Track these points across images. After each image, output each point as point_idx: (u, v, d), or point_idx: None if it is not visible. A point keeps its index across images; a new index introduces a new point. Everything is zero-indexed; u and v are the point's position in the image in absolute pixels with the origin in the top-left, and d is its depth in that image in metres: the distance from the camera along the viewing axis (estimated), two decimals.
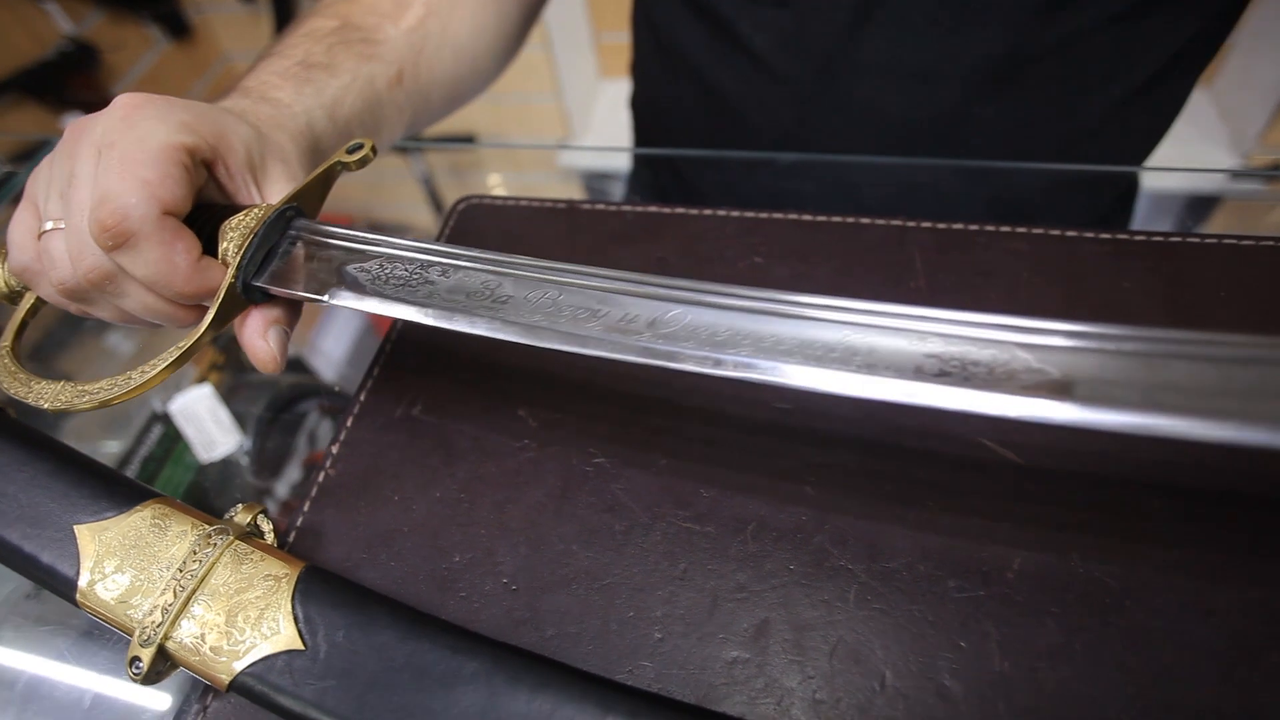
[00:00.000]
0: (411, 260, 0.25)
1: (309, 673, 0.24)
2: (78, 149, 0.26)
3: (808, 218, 0.36)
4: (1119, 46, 0.40)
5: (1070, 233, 0.34)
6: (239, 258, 0.26)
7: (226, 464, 0.57)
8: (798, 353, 0.22)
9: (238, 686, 0.25)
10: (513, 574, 0.28)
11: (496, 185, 1.34)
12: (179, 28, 1.50)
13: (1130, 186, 0.55)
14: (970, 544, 0.26)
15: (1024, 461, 0.28)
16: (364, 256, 0.26)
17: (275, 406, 0.60)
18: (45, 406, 0.28)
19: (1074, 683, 0.23)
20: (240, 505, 0.29)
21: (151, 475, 0.55)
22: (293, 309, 0.28)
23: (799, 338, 0.22)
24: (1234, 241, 0.33)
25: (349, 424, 0.33)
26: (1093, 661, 0.24)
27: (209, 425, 0.56)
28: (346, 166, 0.28)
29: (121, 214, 0.24)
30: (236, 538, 0.27)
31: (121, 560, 0.28)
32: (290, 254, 0.27)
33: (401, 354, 0.35)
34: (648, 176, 0.63)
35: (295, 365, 0.66)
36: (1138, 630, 0.24)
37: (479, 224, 0.40)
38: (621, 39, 1.80)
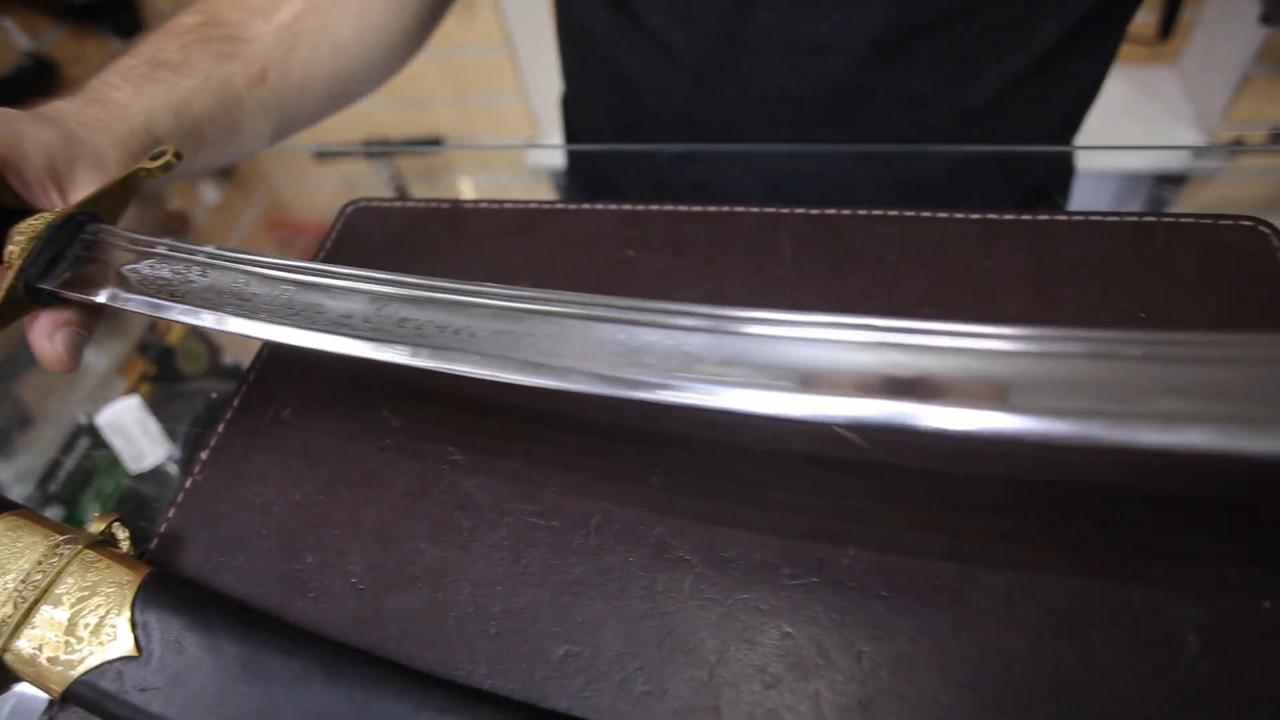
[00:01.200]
0: (178, 260, 0.25)
1: (139, 679, 0.24)
2: None
3: (683, 209, 0.36)
4: (1011, 19, 0.40)
5: (941, 214, 0.34)
6: (21, 260, 0.26)
7: (158, 474, 0.57)
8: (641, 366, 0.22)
9: (72, 696, 0.25)
10: (361, 573, 0.28)
11: (466, 188, 1.34)
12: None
13: (1062, 167, 0.55)
14: (808, 532, 0.26)
15: (868, 446, 0.28)
16: (139, 258, 0.26)
17: (207, 415, 0.61)
18: None
19: (899, 663, 0.23)
20: (96, 514, 0.29)
21: (79, 488, 0.55)
22: (89, 312, 0.28)
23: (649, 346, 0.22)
24: (1098, 218, 0.33)
25: (220, 430, 0.33)
26: (919, 643, 0.24)
27: (138, 436, 0.57)
28: (150, 173, 0.28)
29: None
30: (86, 546, 0.27)
31: None
32: (78, 257, 0.27)
33: (277, 360, 0.35)
34: (576, 173, 0.63)
35: (229, 373, 0.66)
36: (965, 611, 0.24)
37: (366, 227, 0.40)
38: None
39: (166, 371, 0.62)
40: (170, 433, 0.58)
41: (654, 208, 0.36)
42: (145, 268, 0.27)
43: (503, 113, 1.58)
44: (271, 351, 0.36)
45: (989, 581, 0.24)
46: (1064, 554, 0.25)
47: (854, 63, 0.40)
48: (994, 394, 0.19)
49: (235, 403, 0.34)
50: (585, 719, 0.23)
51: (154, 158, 0.28)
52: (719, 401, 0.21)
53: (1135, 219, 0.32)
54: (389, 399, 0.32)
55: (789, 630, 0.24)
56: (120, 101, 0.31)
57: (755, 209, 0.35)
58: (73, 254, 0.27)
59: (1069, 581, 0.24)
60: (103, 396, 0.59)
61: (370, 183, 1.23)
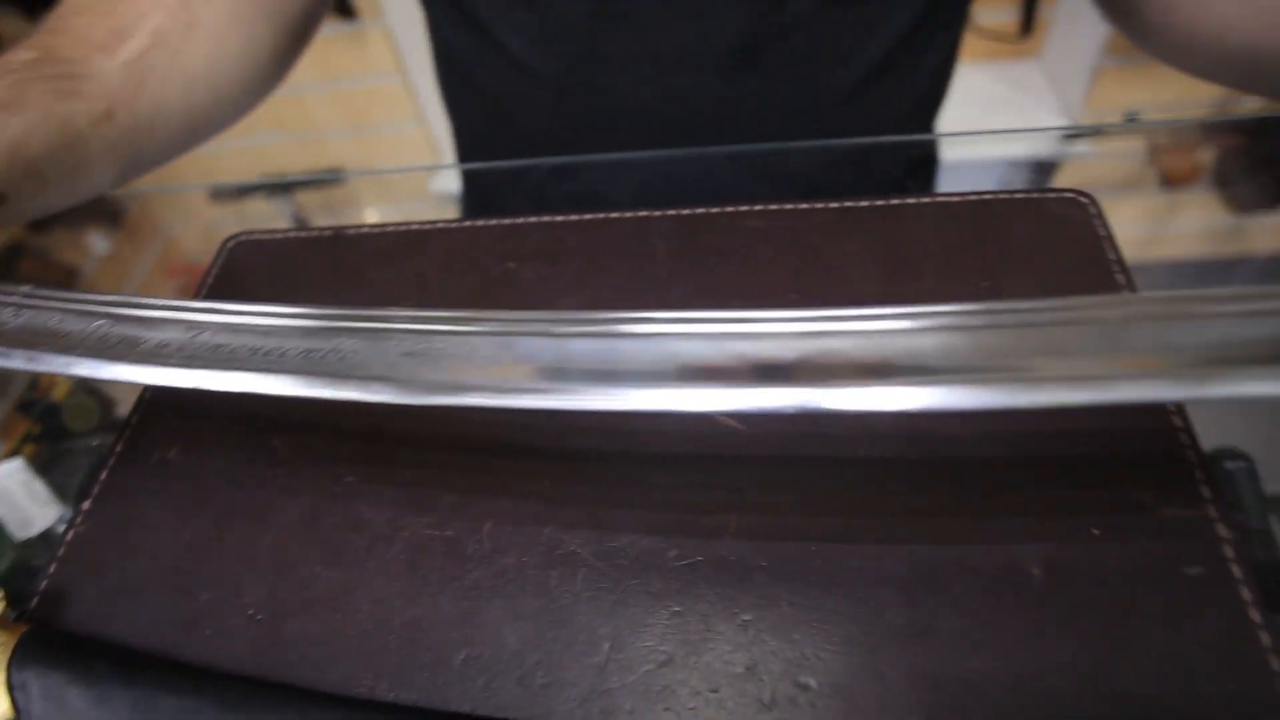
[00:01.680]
0: None
1: None
2: None
3: (559, 218, 0.37)
4: (848, 25, 0.42)
5: (803, 205, 0.36)
6: None
7: (49, 538, 0.54)
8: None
9: None
10: (257, 604, 0.28)
11: (371, 218, 1.32)
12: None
13: (925, 157, 0.58)
14: (691, 515, 0.27)
15: (744, 429, 0.29)
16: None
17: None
18: None
19: (780, 626, 0.25)
20: None
21: None
22: None
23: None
24: (943, 199, 0.36)
25: (102, 478, 0.32)
26: (798, 605, 0.25)
27: (23, 501, 0.54)
28: None
29: None
30: None
31: None
32: None
33: (160, 402, 0.35)
34: (470, 195, 0.64)
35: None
36: (839, 571, 0.26)
37: (248, 261, 0.40)
38: None
39: (53, 430, 0.59)
40: (61, 493, 0.55)
41: (531, 220, 0.37)
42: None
43: (403, 141, 1.57)
44: (153, 394, 0.35)
45: (860, 544, 0.26)
46: (925, 515, 0.27)
47: (708, 75, 0.42)
48: (856, 372, 0.21)
49: (117, 449, 0.33)
50: (488, 717, 0.24)
51: None
52: (599, 404, 0.22)
53: (975, 198, 0.35)
54: (278, 430, 0.32)
55: (677, 609, 0.26)
56: None
57: (629, 214, 0.37)
58: None
59: (930, 538, 0.26)
60: None
61: (270, 220, 1.20)
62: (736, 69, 0.43)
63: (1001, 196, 0.36)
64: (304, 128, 1.58)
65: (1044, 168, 1.51)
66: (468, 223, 0.38)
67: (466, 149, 0.60)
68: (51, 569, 0.30)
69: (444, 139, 1.67)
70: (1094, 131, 1.39)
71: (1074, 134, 1.41)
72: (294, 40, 0.46)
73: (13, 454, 0.56)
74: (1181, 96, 1.43)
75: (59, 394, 0.60)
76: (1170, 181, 1.14)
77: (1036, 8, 1.49)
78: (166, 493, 0.31)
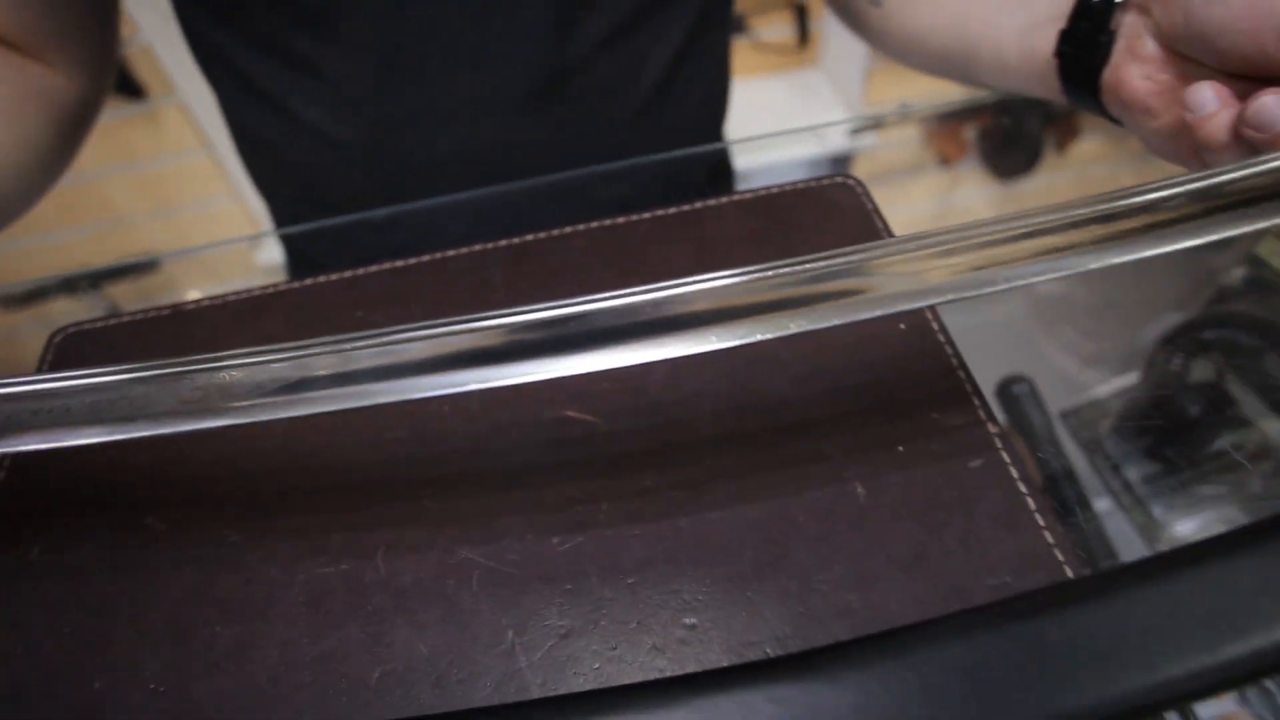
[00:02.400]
0: None
1: None
2: None
3: (400, 264, 0.40)
4: (622, 58, 0.47)
5: (620, 220, 0.41)
6: None
7: None
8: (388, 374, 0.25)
9: None
10: (158, 677, 0.28)
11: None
12: None
13: (721, 166, 0.64)
14: (566, 502, 0.30)
15: (601, 421, 0.33)
16: None
17: None
18: None
19: (659, 580, 0.28)
20: None
21: None
22: None
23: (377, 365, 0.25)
24: (738, 198, 0.41)
25: None
26: (672, 559, 0.29)
27: None
28: None
29: None
30: None
31: None
32: None
33: (11, 504, 0.34)
34: (298, 264, 0.64)
35: None
36: (702, 523, 0.30)
37: (80, 353, 0.39)
38: None
39: None
40: None
41: (373, 269, 0.39)
42: None
43: (218, 217, 1.51)
44: (1, 500, 0.34)
45: (716, 500, 0.30)
46: (765, 466, 0.31)
47: (508, 115, 0.46)
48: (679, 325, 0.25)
49: None
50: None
51: None
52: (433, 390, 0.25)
53: (764, 193, 0.41)
54: (151, 503, 0.32)
55: (569, 587, 0.28)
56: None
57: (465, 249, 0.40)
58: None
59: (773, 483, 0.31)
60: None
61: (82, 316, 1.12)
62: (529, 111, 0.47)
63: (786, 189, 0.42)
64: (107, 217, 1.48)
65: (839, 162, 1.67)
66: (310, 281, 0.40)
67: (284, 219, 0.60)
68: None
69: (262, 209, 1.61)
70: (875, 124, 1.55)
71: (860, 128, 1.56)
72: (72, 127, 0.45)
73: None
74: (943, 86, 1.63)
75: None
76: (945, 160, 1.30)
77: (808, 20, 1.65)
78: (36, 592, 0.31)
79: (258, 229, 1.60)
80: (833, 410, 0.33)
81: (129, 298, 1.23)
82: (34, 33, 0.41)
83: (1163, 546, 0.65)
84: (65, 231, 1.45)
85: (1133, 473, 0.65)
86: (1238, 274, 0.63)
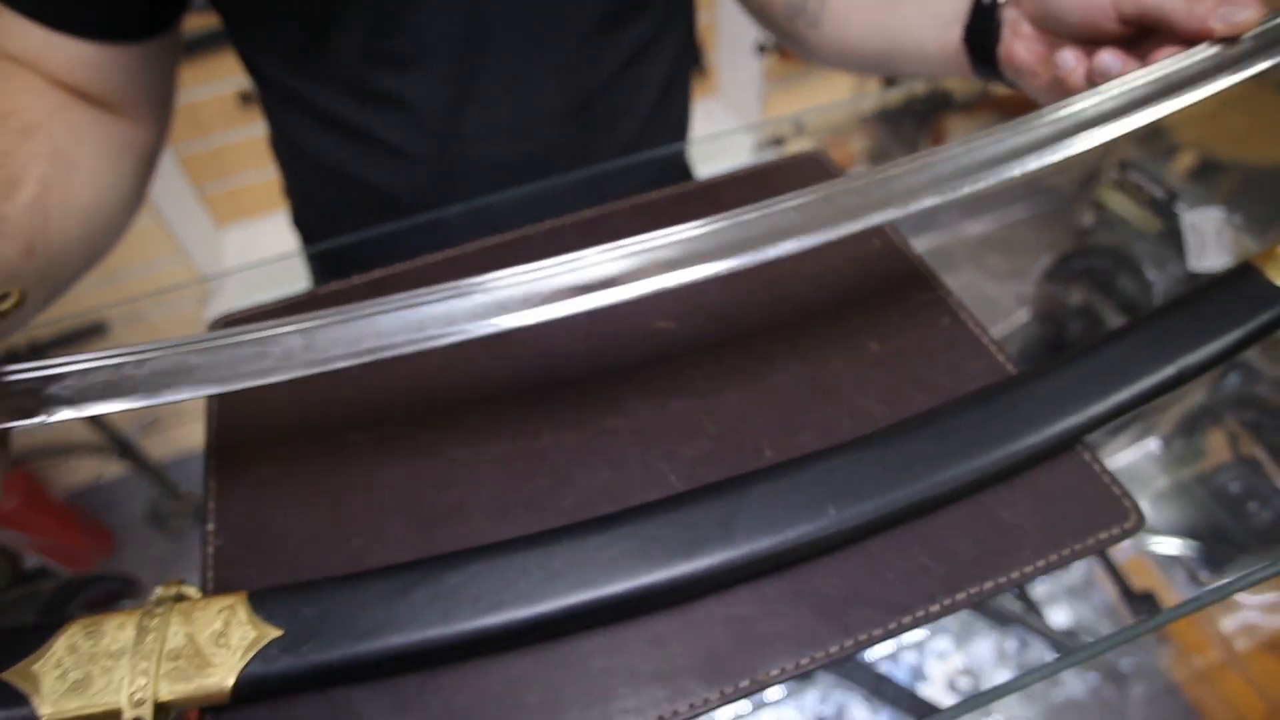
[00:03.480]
0: (104, 367, 0.34)
1: (293, 647, 0.32)
2: None
3: (492, 241, 0.51)
4: (631, 86, 0.61)
5: (652, 195, 0.53)
6: None
7: None
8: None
9: (240, 692, 0.32)
10: (400, 532, 0.38)
11: None
12: None
13: (684, 170, 0.78)
14: (668, 380, 0.42)
15: (677, 327, 0.45)
16: (57, 380, 0.34)
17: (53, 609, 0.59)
18: None
19: (744, 424, 0.40)
20: (159, 586, 0.35)
21: None
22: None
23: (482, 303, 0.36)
24: (737, 174, 0.55)
25: (212, 506, 0.40)
26: (745, 413, 0.41)
27: None
28: (3, 315, 0.34)
29: None
30: (174, 602, 0.34)
31: (70, 673, 0.32)
32: None
33: (225, 441, 0.43)
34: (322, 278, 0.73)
35: (35, 575, 0.64)
36: (760, 389, 0.42)
37: None
38: (226, 185, 1.80)
39: None
40: None
41: (469, 249, 0.50)
42: (74, 382, 0.33)
43: (168, 278, 1.53)
44: (217, 440, 0.43)
45: (771, 367, 0.43)
46: (806, 332, 0.44)
47: (547, 129, 0.58)
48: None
49: (213, 484, 0.41)
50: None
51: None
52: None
53: (756, 168, 0.55)
54: (351, 426, 0.42)
55: (685, 432, 0.40)
56: None
57: (542, 226, 0.51)
58: None
59: (813, 341, 0.43)
60: None
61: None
62: (562, 127, 0.59)
63: (770, 164, 0.55)
64: None
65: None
66: (431, 259, 0.50)
67: (334, 234, 0.70)
68: (210, 574, 0.37)
69: (209, 267, 1.65)
70: (776, 140, 1.73)
71: (765, 143, 1.74)
72: (147, 173, 0.54)
73: None
74: (825, 100, 1.85)
75: None
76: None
77: (701, 54, 1.85)
78: (276, 498, 0.40)
79: (205, 289, 1.63)
80: (845, 299, 0.46)
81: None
82: (119, 92, 0.51)
83: None
84: None
85: None
86: (1089, 218, 0.81)
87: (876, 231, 0.50)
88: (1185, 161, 0.79)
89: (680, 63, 0.66)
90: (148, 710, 0.31)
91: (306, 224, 0.72)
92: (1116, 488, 0.36)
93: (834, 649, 0.32)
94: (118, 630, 0.33)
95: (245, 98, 1.58)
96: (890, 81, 1.56)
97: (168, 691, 0.31)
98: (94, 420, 0.88)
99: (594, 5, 0.55)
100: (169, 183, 1.53)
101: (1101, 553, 0.48)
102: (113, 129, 0.51)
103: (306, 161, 0.64)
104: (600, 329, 0.45)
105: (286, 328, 0.35)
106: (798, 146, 1.59)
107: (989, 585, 0.34)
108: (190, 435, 0.55)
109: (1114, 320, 0.77)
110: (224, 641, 0.33)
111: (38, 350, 1.29)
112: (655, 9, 0.60)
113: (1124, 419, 0.39)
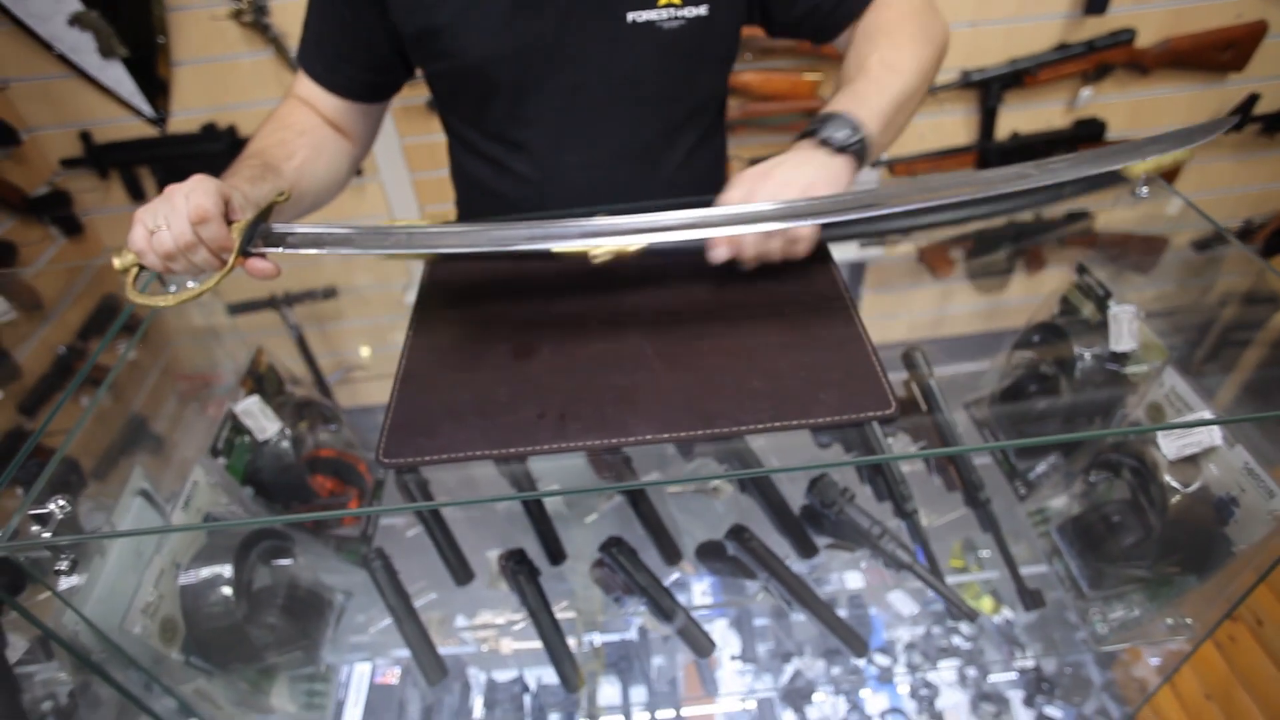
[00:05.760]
0: (312, 233, 0.69)
1: None
2: (172, 195, 0.66)
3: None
4: (671, 136, 0.95)
5: None
6: (239, 236, 0.66)
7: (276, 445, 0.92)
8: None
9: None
10: (520, 377, 0.71)
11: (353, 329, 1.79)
12: (72, 227, 1.81)
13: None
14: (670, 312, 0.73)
15: (673, 295, 0.76)
16: (292, 234, 0.69)
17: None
18: (154, 304, 0.67)
19: (708, 348, 0.70)
20: None
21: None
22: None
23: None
24: None
25: (403, 364, 0.75)
26: (697, 338, 0.71)
27: (261, 419, 0.91)
28: (277, 203, 0.71)
29: (204, 209, 0.65)
30: None
31: None
32: (261, 233, 0.68)
33: (425, 311, 0.78)
34: None
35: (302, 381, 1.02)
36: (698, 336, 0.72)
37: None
38: (430, 176, 2.29)
39: (260, 388, 0.98)
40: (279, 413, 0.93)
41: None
42: (296, 237, 0.70)
43: (385, 266, 2.02)
44: (418, 317, 0.78)
45: (709, 337, 0.73)
46: (739, 318, 0.74)
47: (613, 166, 0.93)
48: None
49: (410, 338, 0.76)
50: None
51: (279, 196, 0.71)
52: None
53: None
54: (510, 326, 0.76)
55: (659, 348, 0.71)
56: (250, 189, 0.72)
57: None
58: (259, 231, 0.69)
59: (741, 329, 0.73)
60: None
61: (276, 335, 1.59)
62: (634, 165, 0.94)
63: None
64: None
65: (855, 267, 2.14)
66: None
67: None
68: (388, 421, 0.71)
69: (414, 265, 2.13)
70: (879, 241, 2.01)
71: (866, 243, 2.03)
72: (354, 168, 0.96)
73: (250, 394, 0.94)
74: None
75: (263, 369, 1.00)
76: (936, 275, 1.73)
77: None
78: (450, 362, 0.74)
79: (409, 274, 2.11)
80: (769, 295, 0.75)
81: (308, 318, 1.75)
82: (349, 126, 0.93)
83: (1017, 483, 1.04)
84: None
85: (1000, 430, 1.06)
86: (1056, 306, 1.04)
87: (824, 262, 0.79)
88: (1113, 268, 1.02)
89: (711, 132, 1.00)
90: None
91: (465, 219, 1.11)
92: (888, 386, 0.63)
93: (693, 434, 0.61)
94: None
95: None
96: None
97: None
98: None
99: (649, 93, 0.89)
100: (393, 164, 2.00)
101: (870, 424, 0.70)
102: (341, 143, 0.94)
103: (469, 181, 1.03)
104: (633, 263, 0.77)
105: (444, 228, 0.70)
106: (900, 249, 1.86)
107: (794, 422, 0.61)
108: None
109: (1061, 381, 0.99)
110: None
111: (290, 297, 1.76)
112: (695, 98, 0.94)
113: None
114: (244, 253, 0.67)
